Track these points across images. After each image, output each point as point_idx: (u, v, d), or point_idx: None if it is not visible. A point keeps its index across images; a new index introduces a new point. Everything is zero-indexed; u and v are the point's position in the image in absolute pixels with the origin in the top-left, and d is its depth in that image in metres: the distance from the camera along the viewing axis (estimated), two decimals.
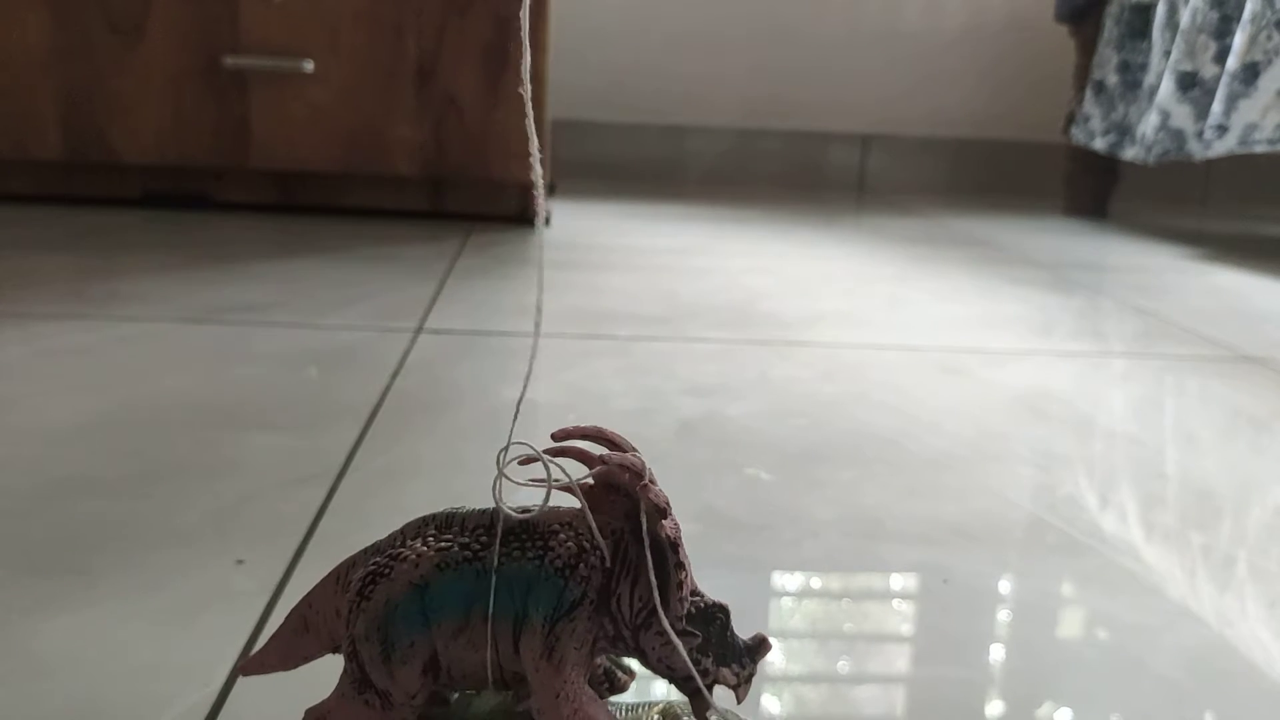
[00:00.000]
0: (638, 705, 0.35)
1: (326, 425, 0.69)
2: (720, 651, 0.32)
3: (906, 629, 0.49)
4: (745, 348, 0.93)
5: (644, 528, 0.31)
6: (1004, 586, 0.53)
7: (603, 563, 0.31)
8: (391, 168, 1.46)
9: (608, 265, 1.27)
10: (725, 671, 0.32)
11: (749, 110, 2.16)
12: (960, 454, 0.69)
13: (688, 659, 0.31)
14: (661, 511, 0.31)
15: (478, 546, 0.31)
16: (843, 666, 0.45)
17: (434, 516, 0.32)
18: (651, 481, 0.31)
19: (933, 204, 2.02)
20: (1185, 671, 0.45)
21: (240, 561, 0.49)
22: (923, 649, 0.47)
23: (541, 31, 1.44)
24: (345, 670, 0.32)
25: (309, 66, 1.40)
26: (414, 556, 0.31)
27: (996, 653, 0.47)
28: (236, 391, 0.75)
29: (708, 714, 0.32)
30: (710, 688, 0.32)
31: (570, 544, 0.31)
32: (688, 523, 0.57)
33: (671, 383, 0.81)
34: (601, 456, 0.31)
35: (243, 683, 0.40)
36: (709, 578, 0.52)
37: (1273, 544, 0.58)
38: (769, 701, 0.42)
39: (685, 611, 0.31)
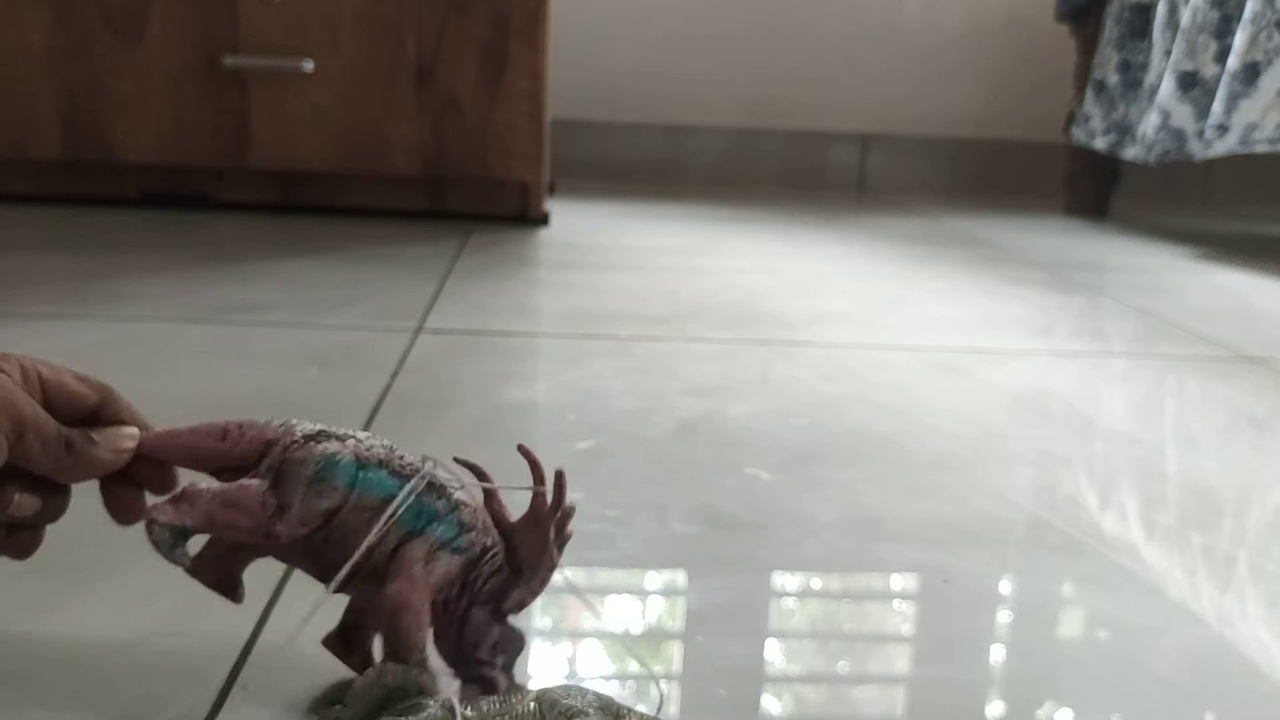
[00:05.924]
0: (508, 697, 0.34)
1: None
2: (507, 658, 0.40)
3: (906, 629, 0.49)
4: (745, 348, 0.93)
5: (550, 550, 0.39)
6: (1004, 586, 0.53)
7: (482, 550, 0.39)
8: (391, 167, 1.46)
9: (608, 265, 1.27)
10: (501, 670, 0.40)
11: (749, 110, 2.16)
12: (960, 454, 0.69)
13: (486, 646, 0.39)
14: (552, 567, 0.39)
15: (409, 472, 0.38)
16: (843, 666, 0.45)
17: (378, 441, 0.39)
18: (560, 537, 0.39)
19: (933, 204, 2.02)
20: (1185, 671, 0.45)
21: None
22: (923, 649, 0.47)
23: (541, 31, 1.44)
24: (256, 474, 0.37)
25: (309, 66, 1.40)
26: (366, 444, 0.38)
27: (996, 653, 0.47)
28: (236, 391, 0.75)
29: (496, 698, 0.36)
30: (493, 680, 0.39)
31: (470, 518, 0.39)
32: (689, 523, 0.57)
33: (672, 383, 0.81)
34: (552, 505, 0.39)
35: (242, 684, 0.40)
36: (709, 577, 0.52)
37: (1273, 544, 0.58)
38: (769, 702, 0.42)
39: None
